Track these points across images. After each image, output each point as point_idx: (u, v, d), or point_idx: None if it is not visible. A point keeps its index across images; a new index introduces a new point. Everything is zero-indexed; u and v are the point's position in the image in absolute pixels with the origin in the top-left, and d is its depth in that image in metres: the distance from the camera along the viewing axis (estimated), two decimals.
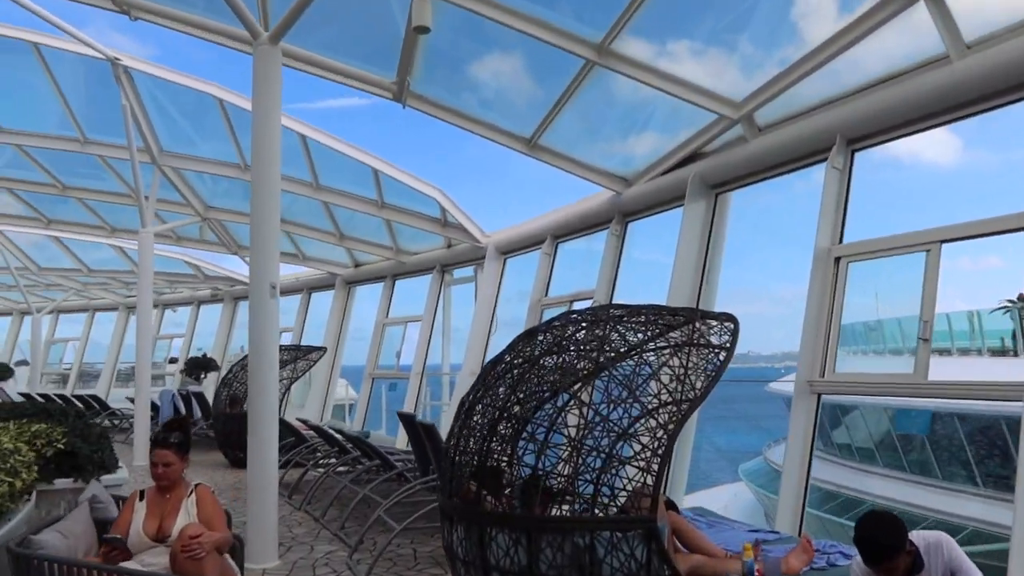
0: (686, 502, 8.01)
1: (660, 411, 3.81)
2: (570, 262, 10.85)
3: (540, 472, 3.74)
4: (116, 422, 17.28)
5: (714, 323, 3.95)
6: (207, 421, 13.98)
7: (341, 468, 9.26)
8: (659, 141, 8.41)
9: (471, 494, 3.92)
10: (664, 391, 3.82)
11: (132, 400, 15.49)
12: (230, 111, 11.19)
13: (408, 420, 7.39)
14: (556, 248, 10.43)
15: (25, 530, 3.78)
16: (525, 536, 3.56)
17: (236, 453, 11.89)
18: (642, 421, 3.85)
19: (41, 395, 18.81)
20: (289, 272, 17.92)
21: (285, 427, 11.08)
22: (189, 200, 14.16)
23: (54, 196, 15.34)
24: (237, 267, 17.86)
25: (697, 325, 3.94)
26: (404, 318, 14.59)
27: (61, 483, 5.52)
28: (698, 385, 3.75)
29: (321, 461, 9.74)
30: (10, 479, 3.89)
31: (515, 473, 3.88)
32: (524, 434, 3.85)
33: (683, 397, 3.71)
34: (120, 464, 6.15)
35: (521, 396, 4.00)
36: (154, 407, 16.32)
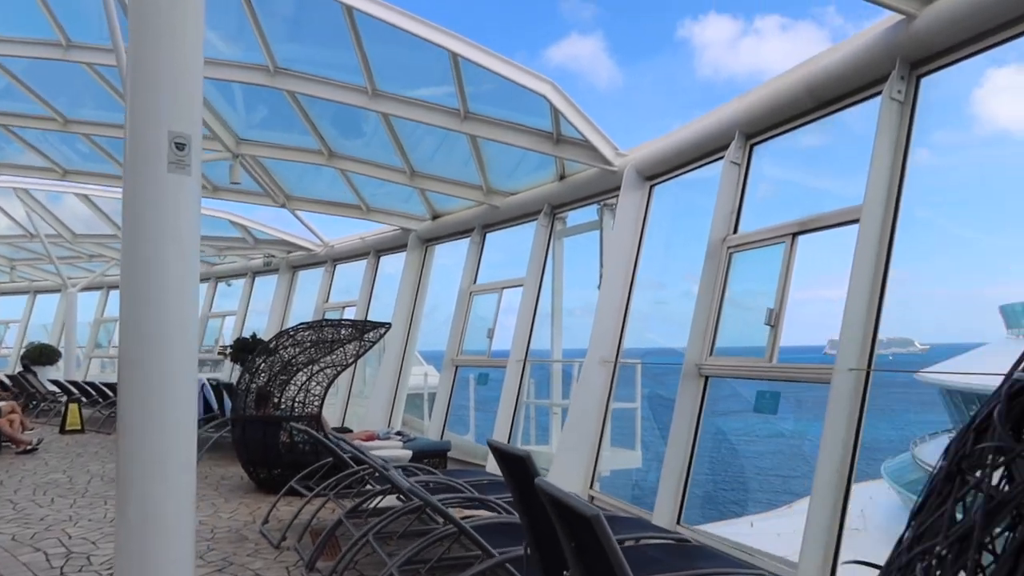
0: None
1: None
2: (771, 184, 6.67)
3: None
4: None
5: None
6: None
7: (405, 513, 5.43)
8: None
9: None
10: None
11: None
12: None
13: (509, 460, 3.46)
14: (750, 154, 6.24)
15: None
16: None
17: (261, 471, 8.33)
18: None
19: (70, 382, 16.00)
20: (353, 234, 14.33)
21: (323, 440, 7.32)
22: (214, 131, 10.65)
23: (60, 134, 12.16)
24: (292, 227, 14.40)
25: None
26: (499, 283, 10.64)
27: None
28: None
29: (368, 503, 5.93)
30: None
31: None
32: None
33: None
34: None
35: None
36: None
